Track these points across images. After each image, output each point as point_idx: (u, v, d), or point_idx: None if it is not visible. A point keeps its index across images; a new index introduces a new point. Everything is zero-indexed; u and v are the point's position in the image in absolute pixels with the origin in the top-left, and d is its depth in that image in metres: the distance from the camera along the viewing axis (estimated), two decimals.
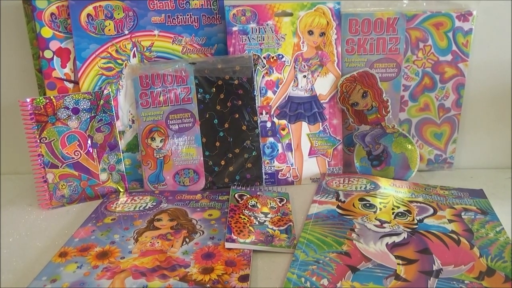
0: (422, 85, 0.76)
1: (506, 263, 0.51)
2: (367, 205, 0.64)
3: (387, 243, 0.55)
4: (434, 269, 0.50)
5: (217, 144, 0.73)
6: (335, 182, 0.72)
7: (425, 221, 0.60)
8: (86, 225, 0.62)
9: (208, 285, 0.48)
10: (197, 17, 0.73)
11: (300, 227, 0.60)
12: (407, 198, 0.66)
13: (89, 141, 0.71)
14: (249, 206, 0.65)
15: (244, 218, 0.61)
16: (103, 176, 0.72)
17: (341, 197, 0.67)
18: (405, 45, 0.74)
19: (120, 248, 0.56)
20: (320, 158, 0.76)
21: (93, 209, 0.67)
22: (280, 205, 0.67)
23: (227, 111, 0.72)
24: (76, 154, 0.70)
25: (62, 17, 0.70)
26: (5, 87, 0.81)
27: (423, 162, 0.79)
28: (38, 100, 0.67)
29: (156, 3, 0.72)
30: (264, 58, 0.73)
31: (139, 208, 0.66)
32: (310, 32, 0.72)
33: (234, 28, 0.72)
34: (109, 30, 0.71)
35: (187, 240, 0.57)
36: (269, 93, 0.74)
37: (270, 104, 0.74)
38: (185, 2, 0.72)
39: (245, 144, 0.73)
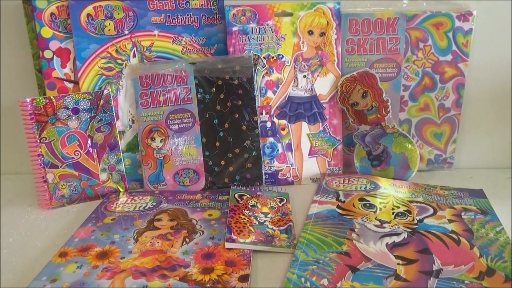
0: (422, 85, 0.76)
1: (506, 263, 0.51)
2: (367, 205, 0.64)
3: (387, 243, 0.55)
4: (434, 269, 0.50)
5: (217, 144, 0.73)
6: (335, 182, 0.72)
7: (425, 221, 0.60)
8: (86, 225, 0.62)
9: (208, 285, 0.48)
10: (197, 17, 0.73)
11: (300, 227, 0.60)
12: (407, 198, 0.66)
13: (89, 141, 0.71)
14: (249, 206, 0.65)
15: (244, 218, 0.61)
16: (103, 176, 0.72)
17: (341, 197, 0.67)
18: (405, 45, 0.74)
19: (120, 248, 0.56)
20: (320, 158, 0.76)
21: (93, 209, 0.67)
22: (280, 205, 0.67)
23: (227, 111, 0.72)
24: (76, 154, 0.70)
25: (62, 17, 0.70)
26: (5, 87, 0.81)
27: (423, 162, 0.79)
28: (38, 100, 0.67)
29: (156, 3, 0.72)
30: (264, 58, 0.73)
31: (139, 208, 0.66)
32: (310, 32, 0.72)
33: (234, 28, 0.72)
34: (109, 30, 0.71)
35: (187, 240, 0.57)
36: (269, 93, 0.74)
37: (270, 104, 0.74)
38: (185, 2, 0.72)
39: (245, 144, 0.73)
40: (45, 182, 0.69)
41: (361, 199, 0.65)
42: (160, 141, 0.72)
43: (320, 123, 0.75)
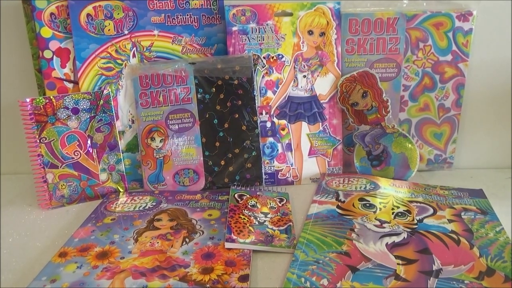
0: (422, 85, 0.76)
1: (506, 263, 0.51)
2: (367, 205, 0.64)
3: (387, 243, 0.55)
4: (434, 269, 0.50)
5: (217, 144, 0.73)
6: (335, 182, 0.72)
7: (425, 221, 0.60)
8: (86, 225, 0.62)
9: (208, 285, 0.48)
10: (197, 17, 0.73)
11: (300, 227, 0.60)
12: (407, 198, 0.66)
13: (89, 141, 0.71)
14: (249, 206, 0.65)
15: (244, 218, 0.61)
16: (103, 176, 0.72)
17: (341, 197, 0.67)
18: (405, 45, 0.74)
19: (120, 248, 0.56)
20: (320, 158, 0.76)
21: (93, 209, 0.67)
22: (280, 205, 0.67)
23: (227, 111, 0.72)
24: (76, 154, 0.70)
25: (61, 17, 0.70)
26: (5, 87, 0.81)
27: (423, 162, 0.79)
28: (37, 100, 0.67)
29: (156, 3, 0.72)
30: (264, 58, 0.73)
31: (139, 208, 0.66)
32: (310, 32, 0.72)
33: (234, 28, 0.72)
34: (109, 30, 0.71)
35: (187, 240, 0.57)
36: (269, 93, 0.74)
37: (270, 104, 0.74)
38: (184, 2, 0.72)
39: (245, 144, 0.73)
40: (45, 182, 0.69)
41: (361, 199, 0.65)
42: (160, 141, 0.72)
43: (320, 123, 0.75)
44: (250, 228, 0.59)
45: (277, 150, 0.75)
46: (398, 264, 0.51)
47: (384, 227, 0.58)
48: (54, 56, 0.71)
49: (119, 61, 0.73)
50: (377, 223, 0.59)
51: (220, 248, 0.55)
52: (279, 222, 0.61)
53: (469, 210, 0.63)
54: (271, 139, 0.75)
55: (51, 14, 0.70)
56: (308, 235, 0.57)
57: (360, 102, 0.73)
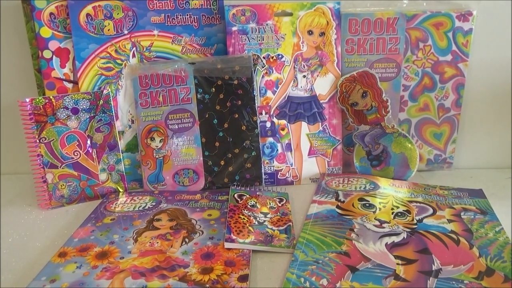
0: (422, 85, 0.76)
1: (506, 263, 0.51)
2: (367, 205, 0.64)
3: (387, 243, 0.55)
4: (433, 269, 0.50)
5: (217, 144, 0.73)
6: (335, 182, 0.72)
7: (425, 221, 0.60)
8: (86, 225, 0.62)
9: (207, 285, 0.48)
10: (196, 17, 0.73)
11: (299, 227, 0.60)
12: (406, 198, 0.66)
13: (88, 141, 0.71)
14: (249, 206, 0.65)
15: (244, 218, 0.61)
16: (103, 176, 0.72)
17: (341, 197, 0.67)
18: (405, 45, 0.74)
19: (119, 248, 0.56)
20: (319, 158, 0.76)
21: (93, 209, 0.67)
22: (280, 205, 0.67)
23: (226, 111, 0.72)
24: (76, 154, 0.70)
25: (61, 17, 0.70)
26: (4, 87, 0.81)
27: (423, 162, 0.79)
28: (37, 100, 0.67)
29: (156, 3, 0.72)
30: (263, 58, 0.73)
31: (138, 208, 0.66)
32: (310, 32, 0.72)
33: (234, 28, 0.72)
34: (109, 30, 0.71)
35: (186, 240, 0.57)
36: (269, 93, 0.74)
37: (269, 104, 0.74)
38: (184, 2, 0.72)
39: (244, 144, 0.73)
40: (45, 182, 0.69)
41: (360, 199, 0.65)
42: (160, 141, 0.72)
43: (320, 123, 0.75)
44: (250, 228, 0.59)
45: (277, 150, 0.75)
46: (397, 264, 0.51)
47: (383, 227, 0.58)
48: (54, 56, 0.71)
49: (118, 61, 0.73)
50: (377, 223, 0.59)
51: (219, 248, 0.55)
52: (278, 222, 0.61)
53: (469, 210, 0.63)
54: (270, 139, 0.75)
55: (51, 14, 0.70)
56: (308, 235, 0.57)
57: (360, 102, 0.73)
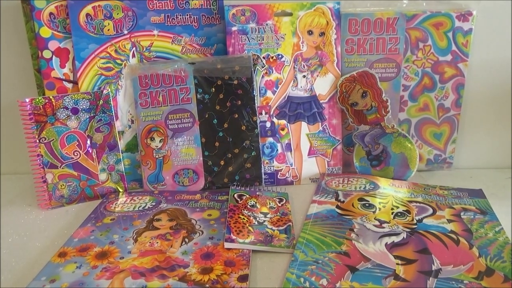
0: (421, 85, 0.76)
1: (505, 263, 0.51)
2: (367, 205, 0.64)
3: (386, 243, 0.55)
4: (433, 269, 0.50)
5: (217, 144, 0.73)
6: (335, 182, 0.72)
7: (424, 221, 0.60)
8: (86, 225, 0.62)
9: (207, 285, 0.48)
10: (196, 17, 0.73)
11: (299, 227, 0.60)
12: (406, 198, 0.66)
13: (88, 141, 0.71)
14: (249, 206, 0.65)
15: (244, 218, 0.61)
16: (103, 176, 0.72)
17: (341, 197, 0.67)
18: (405, 45, 0.74)
19: (119, 248, 0.56)
20: (319, 158, 0.76)
21: (93, 209, 0.67)
22: (280, 205, 0.67)
23: (226, 111, 0.72)
24: (76, 154, 0.70)
25: (61, 17, 0.70)
26: (4, 87, 0.81)
27: (423, 162, 0.79)
28: (37, 100, 0.67)
29: (156, 3, 0.72)
30: (263, 58, 0.73)
31: (138, 208, 0.66)
32: (310, 32, 0.72)
33: (234, 28, 0.72)
34: (108, 30, 0.71)
35: (186, 240, 0.57)
36: (269, 93, 0.74)
37: (269, 104, 0.74)
38: (184, 2, 0.72)
39: (244, 144, 0.73)
40: (45, 182, 0.69)
41: (360, 199, 0.65)
42: (160, 141, 0.72)
43: (320, 123, 0.75)
44: (250, 228, 0.59)
45: (277, 150, 0.75)
46: (397, 264, 0.51)
47: (383, 227, 0.58)
48: (54, 56, 0.71)
49: (118, 61, 0.73)
50: (377, 223, 0.59)
51: (219, 248, 0.55)
52: (278, 222, 0.61)
53: (469, 210, 0.63)
54: (270, 139, 0.75)
55: (50, 14, 0.70)
56: (308, 235, 0.57)
57: (360, 102, 0.73)
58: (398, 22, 0.72)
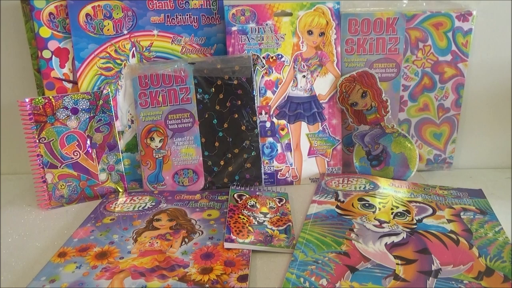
0: (421, 85, 0.76)
1: (505, 263, 0.51)
2: (366, 205, 0.64)
3: (386, 243, 0.55)
4: (433, 269, 0.50)
5: (216, 144, 0.73)
6: (334, 182, 0.72)
7: (424, 221, 0.60)
8: (85, 225, 0.61)
9: (207, 285, 0.48)
10: (196, 17, 0.73)
11: (299, 227, 0.60)
12: (406, 198, 0.66)
13: (88, 141, 0.71)
14: (248, 206, 0.65)
15: (243, 218, 0.61)
16: (102, 176, 0.72)
17: (340, 197, 0.67)
18: (405, 45, 0.74)
19: (119, 248, 0.56)
20: (319, 158, 0.76)
21: (92, 209, 0.67)
22: (279, 205, 0.67)
23: (226, 111, 0.72)
24: (75, 154, 0.70)
25: (60, 16, 0.70)
26: (4, 87, 0.81)
27: (422, 162, 0.79)
28: (37, 100, 0.67)
29: (155, 3, 0.72)
30: (263, 58, 0.73)
31: (138, 208, 0.66)
32: (310, 32, 0.72)
33: (234, 28, 0.72)
34: (108, 30, 0.71)
35: (186, 240, 0.57)
36: (269, 93, 0.74)
37: (269, 104, 0.74)
38: (184, 2, 0.72)
39: (244, 144, 0.73)
40: (44, 182, 0.69)
41: (360, 199, 0.65)
42: (159, 141, 0.72)
43: (320, 123, 0.75)
44: (250, 228, 0.59)
45: (277, 150, 0.75)
46: (397, 264, 0.51)
47: (383, 227, 0.58)
48: (53, 56, 0.71)
49: (118, 61, 0.73)
50: (377, 223, 0.59)
51: (219, 248, 0.55)
52: (278, 222, 0.61)
53: (468, 210, 0.63)
54: (270, 139, 0.75)
55: (50, 13, 0.70)
56: (307, 235, 0.57)
57: (360, 102, 0.73)
58: (398, 22, 0.72)
